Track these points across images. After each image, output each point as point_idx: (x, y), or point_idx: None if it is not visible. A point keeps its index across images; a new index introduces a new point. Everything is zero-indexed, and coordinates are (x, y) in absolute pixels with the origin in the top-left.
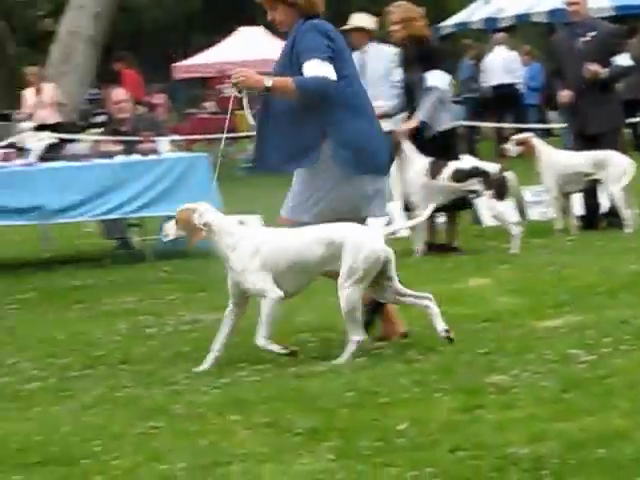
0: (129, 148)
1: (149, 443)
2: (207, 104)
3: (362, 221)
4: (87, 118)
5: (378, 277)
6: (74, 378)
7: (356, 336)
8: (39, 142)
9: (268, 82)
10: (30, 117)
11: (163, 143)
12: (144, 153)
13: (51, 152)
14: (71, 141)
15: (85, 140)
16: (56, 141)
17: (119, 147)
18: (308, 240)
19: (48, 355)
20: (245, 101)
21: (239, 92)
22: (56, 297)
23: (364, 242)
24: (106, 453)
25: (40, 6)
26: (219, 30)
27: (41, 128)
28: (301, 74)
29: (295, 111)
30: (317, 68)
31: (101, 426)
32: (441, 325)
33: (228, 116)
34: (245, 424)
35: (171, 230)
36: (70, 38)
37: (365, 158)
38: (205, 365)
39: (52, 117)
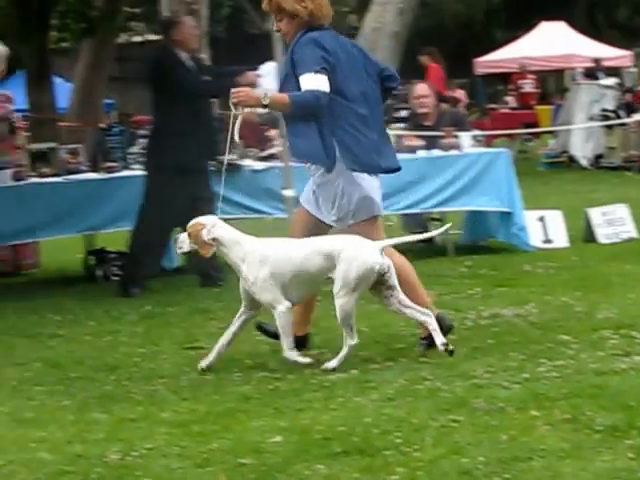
0: (431, 143)
1: (449, 436)
2: (508, 99)
3: None
4: (390, 113)
5: (379, 286)
6: (376, 370)
7: (350, 340)
8: None
9: (265, 100)
10: None
11: (465, 138)
12: (446, 148)
13: None
14: None
15: None
16: None
17: (421, 142)
18: (309, 251)
19: None
20: (238, 120)
21: (237, 110)
22: None
23: (358, 254)
24: (407, 445)
25: (346, 2)
26: (520, 25)
27: None
28: (298, 84)
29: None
30: (311, 81)
31: (402, 418)
32: (440, 339)
33: (230, 129)
34: (545, 420)
35: (184, 243)
36: (374, 34)
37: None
38: (205, 363)
39: None
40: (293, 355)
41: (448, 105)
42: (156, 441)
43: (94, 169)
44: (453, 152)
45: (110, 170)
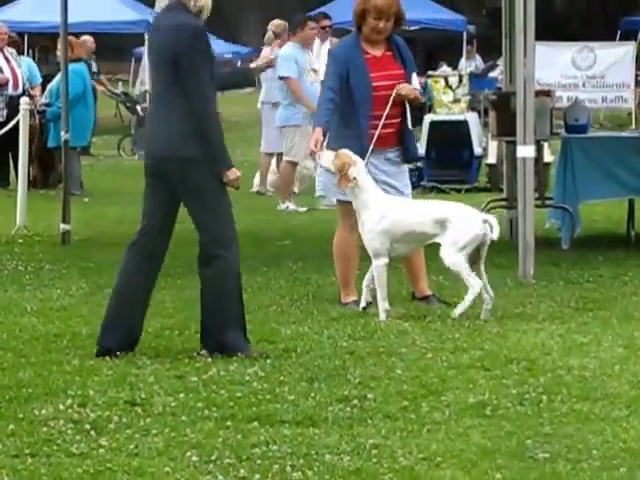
0: None
1: None
2: None
3: None
4: None
5: (473, 253)
6: None
7: (472, 288)
8: None
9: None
10: None
11: None
12: None
13: None
14: None
15: None
16: None
17: None
18: (424, 215)
19: None
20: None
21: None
22: None
23: (469, 221)
24: None
25: None
26: None
27: None
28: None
29: None
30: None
31: None
32: (485, 314)
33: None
34: None
35: (327, 159)
36: None
37: None
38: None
39: None
40: (385, 304)
41: None
42: None
43: None
44: None
45: None
